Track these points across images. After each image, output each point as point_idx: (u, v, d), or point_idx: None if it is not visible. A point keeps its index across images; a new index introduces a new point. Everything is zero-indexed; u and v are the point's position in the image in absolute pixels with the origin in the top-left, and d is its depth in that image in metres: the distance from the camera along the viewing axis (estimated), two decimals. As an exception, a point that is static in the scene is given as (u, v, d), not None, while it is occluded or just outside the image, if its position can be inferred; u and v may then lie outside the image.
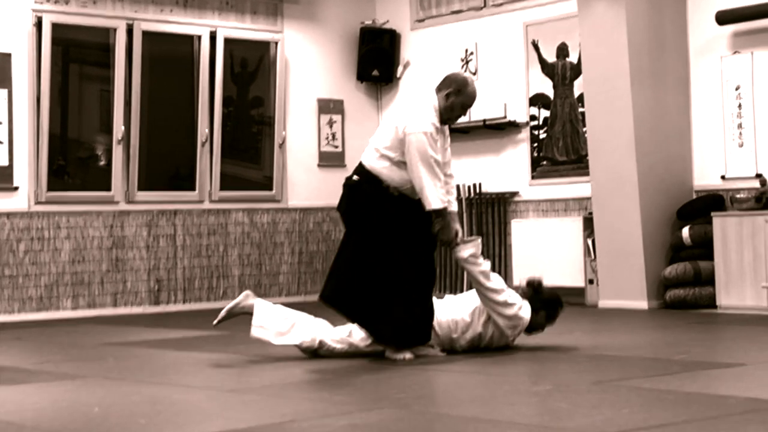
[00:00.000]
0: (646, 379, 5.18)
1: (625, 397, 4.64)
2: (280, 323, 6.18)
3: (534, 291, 6.33)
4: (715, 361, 5.81)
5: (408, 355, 6.02)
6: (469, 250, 6.08)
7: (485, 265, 6.14)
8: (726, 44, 9.39)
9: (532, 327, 6.33)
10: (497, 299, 6.11)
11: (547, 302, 6.35)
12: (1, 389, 5.39)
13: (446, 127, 6.26)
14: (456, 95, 6.09)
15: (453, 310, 6.24)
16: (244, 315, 6.23)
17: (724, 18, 9.20)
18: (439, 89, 6.14)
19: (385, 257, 6.01)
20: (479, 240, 6.17)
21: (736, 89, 9.27)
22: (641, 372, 5.45)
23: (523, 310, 6.18)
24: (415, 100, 6.25)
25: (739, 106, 9.25)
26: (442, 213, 6.00)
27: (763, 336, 7.08)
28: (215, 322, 6.31)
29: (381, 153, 6.07)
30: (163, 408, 4.72)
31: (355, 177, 6.14)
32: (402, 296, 5.97)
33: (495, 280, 6.14)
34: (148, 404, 4.80)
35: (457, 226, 6.12)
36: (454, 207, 6.18)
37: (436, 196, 5.93)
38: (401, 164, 6.02)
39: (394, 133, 6.04)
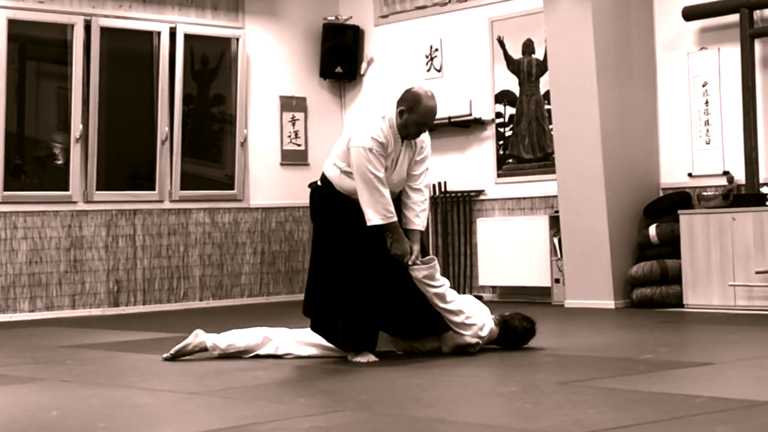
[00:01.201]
0: (612, 379, 5.16)
1: (591, 398, 4.61)
2: (237, 343, 6.28)
3: (508, 330, 6.27)
4: (682, 361, 5.80)
5: (371, 358, 6.00)
6: (423, 272, 6.01)
7: (444, 286, 6.06)
8: (693, 40, 9.39)
9: (496, 342, 6.30)
10: (454, 320, 6.07)
11: (520, 337, 6.32)
12: (-45, 393, 5.31)
13: (421, 139, 6.16)
14: (409, 113, 6.00)
15: None
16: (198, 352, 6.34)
17: (690, 14, 9.21)
18: (396, 104, 6.08)
19: (334, 260, 6.04)
20: (435, 262, 6.08)
21: (703, 86, 9.26)
22: (608, 372, 5.42)
23: (484, 329, 6.14)
24: (370, 111, 6.24)
25: (706, 102, 9.24)
26: (389, 228, 5.96)
27: (730, 335, 7.09)
28: (165, 356, 6.31)
29: (333, 161, 6.12)
30: (123, 411, 4.66)
31: (319, 182, 6.20)
32: (345, 299, 5.97)
33: (453, 302, 6.07)
34: (107, 408, 4.75)
35: (416, 245, 6.04)
36: (418, 225, 6.09)
37: (373, 212, 5.90)
38: (349, 174, 6.02)
39: (343, 143, 6.09)
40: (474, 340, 6.08)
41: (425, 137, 6.19)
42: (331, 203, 6.08)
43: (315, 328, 6.17)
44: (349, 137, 6.02)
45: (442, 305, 6.03)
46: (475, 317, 6.10)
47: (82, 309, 10.22)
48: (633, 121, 9.44)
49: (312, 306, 6.16)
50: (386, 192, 5.92)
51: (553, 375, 5.36)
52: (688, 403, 4.39)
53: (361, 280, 5.96)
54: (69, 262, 10.17)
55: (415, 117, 5.99)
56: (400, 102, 6.03)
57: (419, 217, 6.11)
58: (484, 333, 6.13)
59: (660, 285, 9.03)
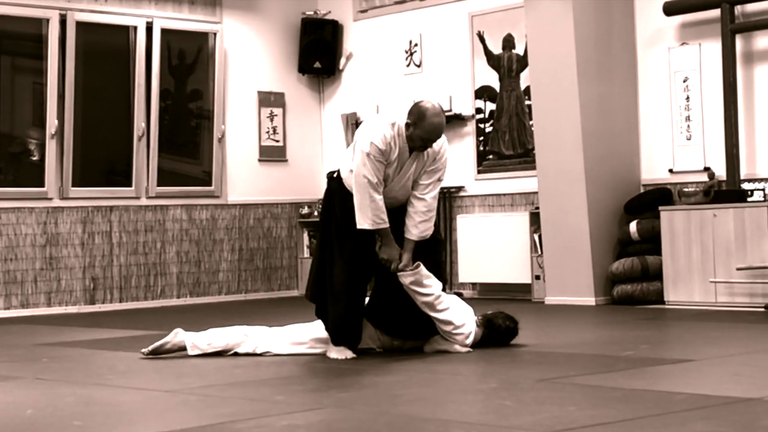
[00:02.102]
0: (592, 376, 5.14)
1: (571, 395, 4.60)
2: (216, 342, 6.25)
3: (492, 329, 6.26)
4: (662, 357, 5.81)
5: (348, 354, 6.01)
6: (409, 278, 6.00)
7: (433, 295, 6.01)
8: (674, 35, 9.38)
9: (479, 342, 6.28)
10: (443, 329, 6.08)
11: (504, 336, 6.32)
12: (-73, 392, 5.24)
13: (436, 150, 6.08)
14: (414, 127, 5.97)
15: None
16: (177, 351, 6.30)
17: (671, 9, 9.20)
18: (406, 115, 6.03)
19: (330, 252, 6.09)
20: (420, 269, 6.02)
21: (684, 81, 9.25)
22: (588, 369, 5.40)
23: (470, 338, 6.14)
24: (383, 115, 6.23)
25: (687, 98, 9.23)
26: (379, 233, 5.97)
27: (710, 332, 7.11)
28: (144, 351, 6.28)
29: (346, 159, 6.14)
30: (99, 410, 4.62)
31: (335, 174, 6.22)
32: (334, 292, 6.02)
33: (443, 312, 6.03)
34: (83, 406, 4.72)
35: (406, 253, 6.00)
36: (412, 235, 6.03)
37: (362, 216, 5.90)
38: None
39: (353, 143, 6.10)
40: (463, 350, 6.08)
41: (445, 148, 6.13)
42: (337, 196, 6.10)
43: (318, 314, 6.20)
44: (357, 139, 6.03)
45: (431, 314, 6.02)
46: (464, 327, 6.10)
47: (58, 306, 10.15)
48: (614, 116, 9.42)
49: (315, 292, 6.17)
50: (378, 198, 5.90)
51: (533, 372, 5.35)
52: (668, 400, 4.38)
53: (351, 274, 5.98)
54: (44, 259, 10.10)
55: (419, 132, 5.96)
56: (408, 114, 6.00)
57: (417, 227, 6.04)
58: (470, 341, 6.13)
59: (641, 281, 9.02)
